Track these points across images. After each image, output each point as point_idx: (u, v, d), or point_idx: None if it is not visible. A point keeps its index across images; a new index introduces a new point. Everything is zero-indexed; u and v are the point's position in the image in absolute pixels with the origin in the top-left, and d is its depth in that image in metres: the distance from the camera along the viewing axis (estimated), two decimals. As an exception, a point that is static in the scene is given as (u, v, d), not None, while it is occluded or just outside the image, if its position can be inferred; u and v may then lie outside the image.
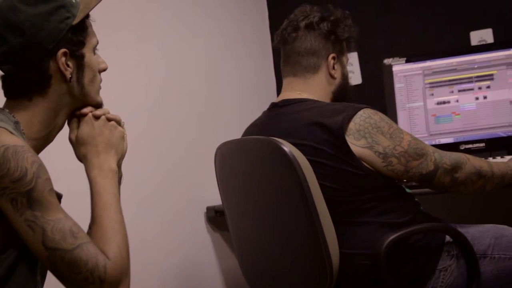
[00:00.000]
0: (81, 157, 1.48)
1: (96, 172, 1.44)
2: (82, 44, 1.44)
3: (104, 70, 1.51)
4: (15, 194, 1.27)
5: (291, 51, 2.08)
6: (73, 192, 1.75)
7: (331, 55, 2.06)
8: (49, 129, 1.44)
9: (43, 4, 1.38)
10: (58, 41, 1.39)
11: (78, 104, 1.48)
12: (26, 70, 1.39)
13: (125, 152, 1.53)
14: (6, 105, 1.43)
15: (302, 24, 2.06)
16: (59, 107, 1.44)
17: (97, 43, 1.49)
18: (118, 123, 1.52)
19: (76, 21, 1.41)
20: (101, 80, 1.51)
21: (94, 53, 1.48)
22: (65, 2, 1.41)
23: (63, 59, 1.40)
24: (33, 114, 1.41)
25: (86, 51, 1.45)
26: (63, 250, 1.29)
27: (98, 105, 1.50)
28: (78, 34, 1.43)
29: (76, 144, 1.48)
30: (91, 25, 1.48)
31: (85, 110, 1.48)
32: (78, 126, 1.49)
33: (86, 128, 1.48)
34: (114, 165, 1.47)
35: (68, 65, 1.41)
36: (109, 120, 1.50)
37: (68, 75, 1.41)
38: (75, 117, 1.49)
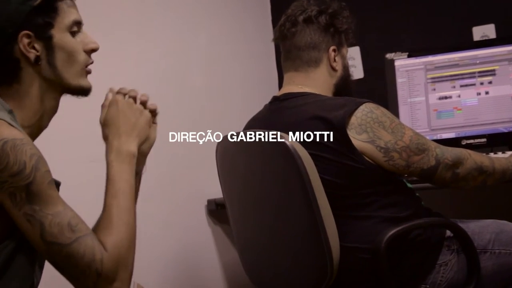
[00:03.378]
0: (104, 138, 1.47)
1: (114, 155, 1.43)
2: (49, 25, 1.39)
3: (94, 50, 1.46)
4: (14, 188, 1.27)
5: (291, 46, 2.08)
6: (70, 185, 1.75)
7: (332, 48, 2.06)
8: (38, 114, 1.42)
9: None
10: (20, 24, 1.36)
11: (59, 87, 1.44)
12: None
13: (153, 141, 1.52)
14: None
15: (300, 18, 2.06)
16: (39, 91, 1.41)
17: (75, 22, 1.43)
18: (154, 111, 1.50)
19: (38, 1, 1.37)
20: (87, 61, 1.46)
21: (74, 34, 1.43)
22: None
23: (26, 41, 1.36)
24: (19, 101, 1.39)
25: (56, 32, 1.40)
26: (60, 244, 1.29)
27: (81, 89, 1.46)
28: (44, 15, 1.38)
29: (103, 125, 1.47)
30: (73, 5, 1.43)
31: (121, 90, 1.48)
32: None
33: (111, 110, 1.46)
34: (134, 148, 1.45)
35: (34, 48, 1.38)
36: (142, 103, 1.48)
37: (32, 57, 1.38)
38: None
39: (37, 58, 1.38)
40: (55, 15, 1.40)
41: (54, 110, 1.46)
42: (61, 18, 1.41)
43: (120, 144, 1.44)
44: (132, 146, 1.45)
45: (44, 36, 1.39)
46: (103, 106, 1.49)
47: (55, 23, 1.40)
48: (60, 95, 1.46)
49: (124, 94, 1.49)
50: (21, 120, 1.39)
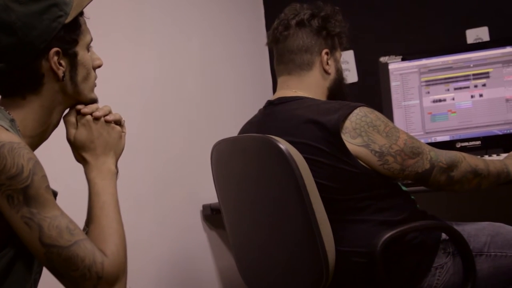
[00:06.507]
0: (79, 159, 1.48)
1: (95, 173, 1.44)
2: (75, 42, 1.42)
3: (99, 66, 1.50)
4: (11, 191, 1.27)
5: (283, 49, 2.08)
6: (70, 190, 1.75)
7: (324, 51, 2.07)
8: (44, 126, 1.43)
9: (35, 3, 1.37)
10: (50, 40, 1.38)
11: (72, 101, 1.47)
12: (19, 69, 1.38)
13: (122, 150, 1.52)
14: (1, 102, 1.43)
15: (293, 22, 2.06)
16: (53, 105, 1.43)
17: (91, 40, 1.48)
18: (118, 122, 1.50)
19: (68, 19, 1.40)
20: (96, 77, 1.50)
21: (88, 50, 1.47)
22: (58, 0, 1.39)
23: (55, 58, 1.39)
24: (27, 112, 1.40)
25: (80, 49, 1.44)
26: (60, 247, 1.28)
27: (93, 102, 1.49)
28: (71, 32, 1.41)
29: (74, 146, 1.47)
30: (85, 22, 1.47)
31: (86, 110, 1.47)
32: (76, 127, 1.47)
33: (84, 132, 1.46)
34: (113, 167, 1.46)
35: (60, 64, 1.40)
36: (107, 122, 1.48)
37: (61, 74, 1.40)
38: (72, 115, 1.48)
39: (64, 74, 1.41)
40: (79, 32, 1.44)
41: (58, 123, 1.48)
42: (83, 35, 1.45)
43: (99, 164, 1.45)
44: (111, 166, 1.46)
45: (69, 53, 1.42)
46: (68, 121, 1.48)
47: (79, 40, 1.44)
48: (66, 108, 1.48)
49: (89, 114, 1.48)
50: (24, 130, 1.40)
